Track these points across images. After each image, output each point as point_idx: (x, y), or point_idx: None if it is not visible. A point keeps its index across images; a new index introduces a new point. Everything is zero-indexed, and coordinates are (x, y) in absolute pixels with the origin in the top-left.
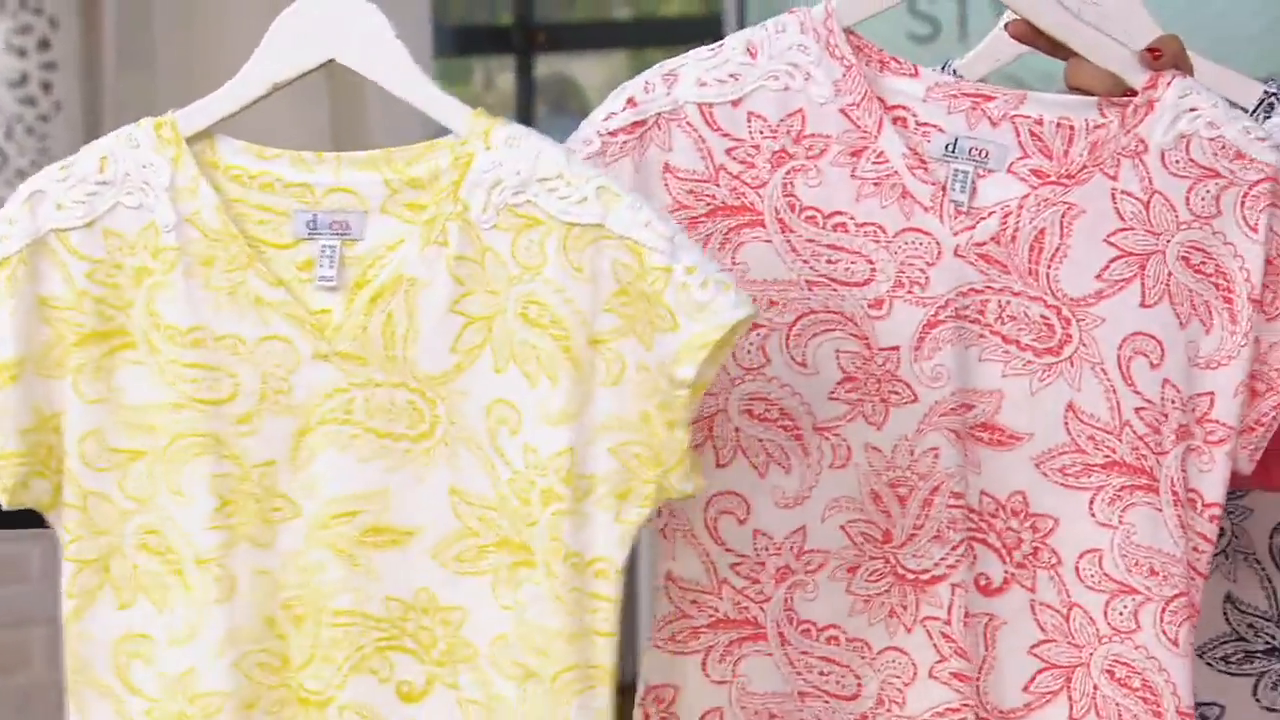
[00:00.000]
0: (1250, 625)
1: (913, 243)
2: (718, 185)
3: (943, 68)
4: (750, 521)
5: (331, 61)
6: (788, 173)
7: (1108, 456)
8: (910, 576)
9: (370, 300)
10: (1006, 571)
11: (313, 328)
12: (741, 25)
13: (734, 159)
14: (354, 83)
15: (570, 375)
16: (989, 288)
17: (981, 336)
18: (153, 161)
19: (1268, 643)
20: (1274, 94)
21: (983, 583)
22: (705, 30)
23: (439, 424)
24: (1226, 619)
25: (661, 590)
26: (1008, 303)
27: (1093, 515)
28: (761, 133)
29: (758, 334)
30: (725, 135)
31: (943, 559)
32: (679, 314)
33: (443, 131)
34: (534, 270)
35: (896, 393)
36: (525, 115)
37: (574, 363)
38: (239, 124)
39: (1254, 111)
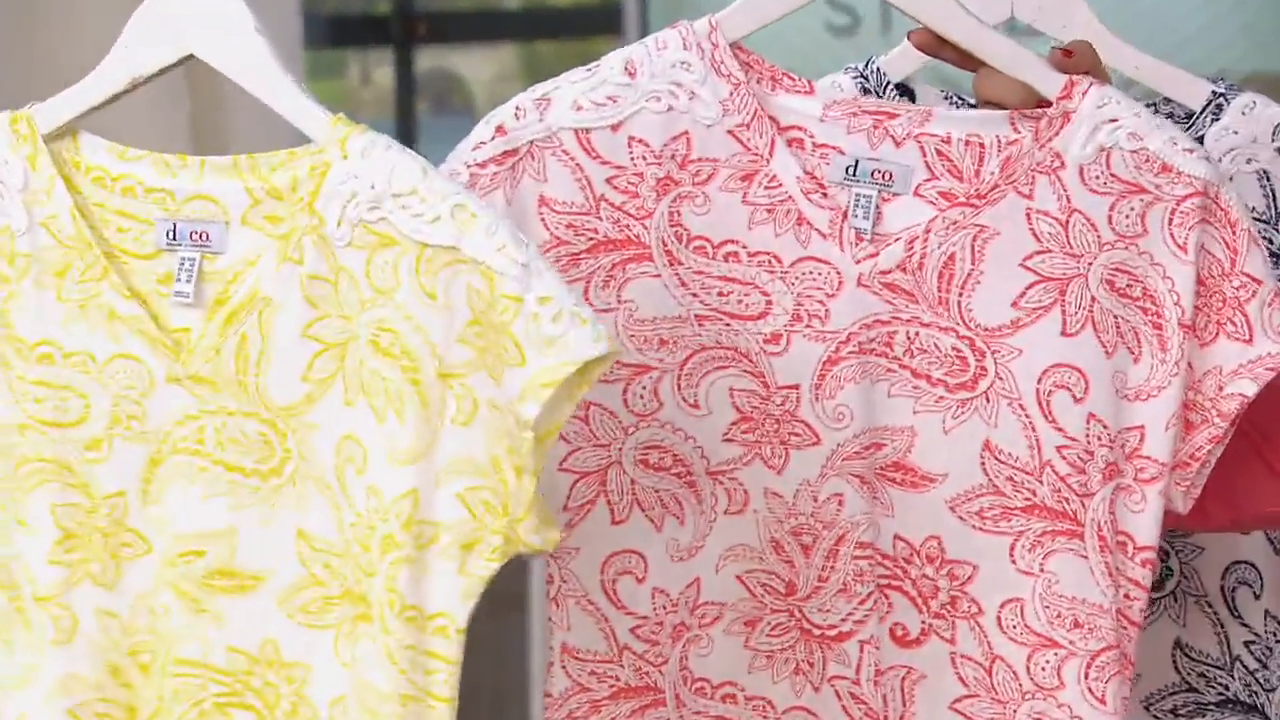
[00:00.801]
0: (1202, 675)
1: (811, 273)
2: (599, 217)
3: (865, 65)
4: (648, 579)
5: (191, 56)
6: (674, 200)
7: (1028, 499)
8: (816, 632)
9: (225, 321)
10: (924, 622)
11: (165, 347)
12: (644, 16)
13: (615, 188)
14: (216, 78)
15: (418, 411)
16: (896, 318)
17: (890, 371)
18: (7, 160)
19: (1220, 693)
20: (1222, 94)
21: (899, 633)
22: (603, 22)
23: (289, 460)
24: (1176, 667)
25: (556, 664)
26: (916, 334)
27: (1014, 562)
28: (644, 159)
29: (649, 377)
30: (605, 163)
31: (850, 614)
32: (527, 348)
33: None
34: (387, 294)
35: (797, 434)
36: (405, 113)
37: (422, 398)
38: (90, 123)
39: (1201, 112)
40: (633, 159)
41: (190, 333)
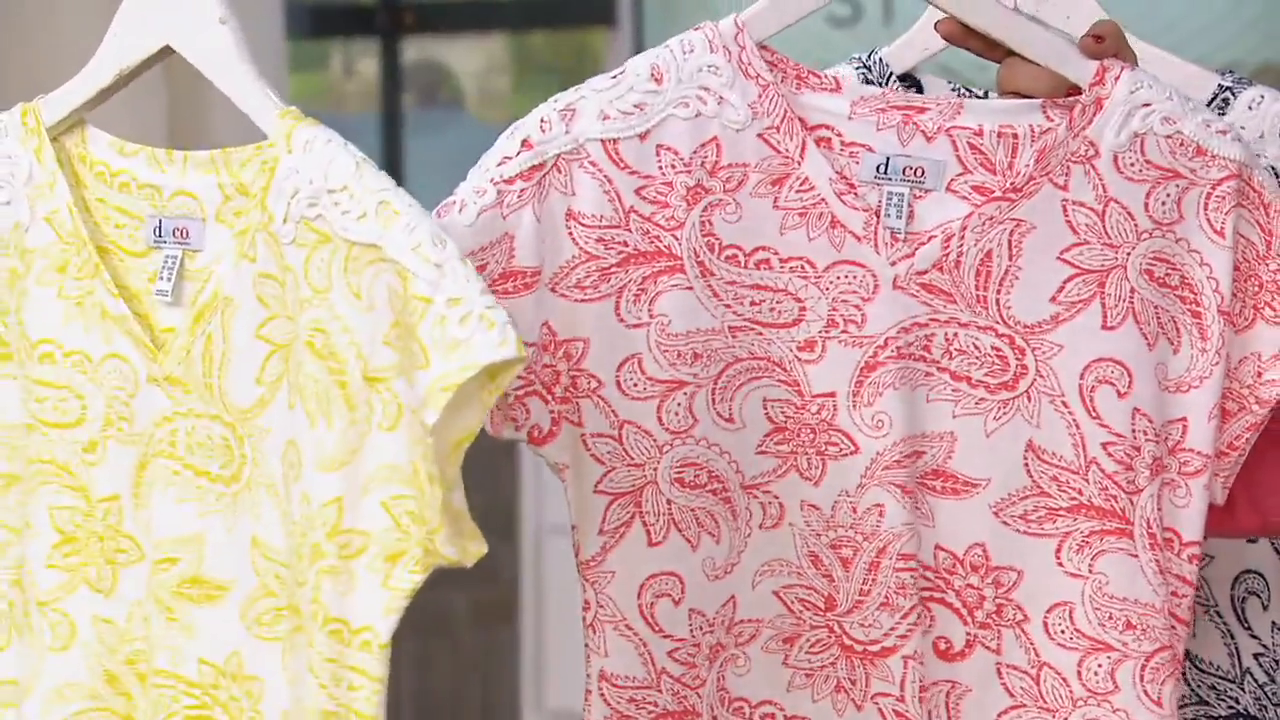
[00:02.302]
0: (1213, 688)
1: (846, 276)
2: (629, 230)
3: (868, 56)
4: (685, 600)
5: (169, 48)
6: (705, 210)
7: (1073, 499)
8: (858, 648)
9: (195, 320)
10: (969, 633)
11: (146, 348)
12: (637, 6)
13: (644, 199)
14: (193, 70)
15: (344, 416)
16: (934, 320)
17: (929, 375)
18: (15, 153)
19: (1231, 707)
20: (1229, 86)
21: (943, 647)
22: (596, 12)
23: (245, 465)
24: (1186, 679)
25: (595, 693)
26: (955, 335)
27: (1060, 565)
28: (674, 167)
29: (684, 393)
30: (634, 173)
31: (893, 628)
32: (431, 351)
33: None
34: (322, 294)
35: (834, 444)
36: (391, 106)
37: (349, 401)
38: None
39: (1209, 106)
40: (661, 168)
41: (175, 332)
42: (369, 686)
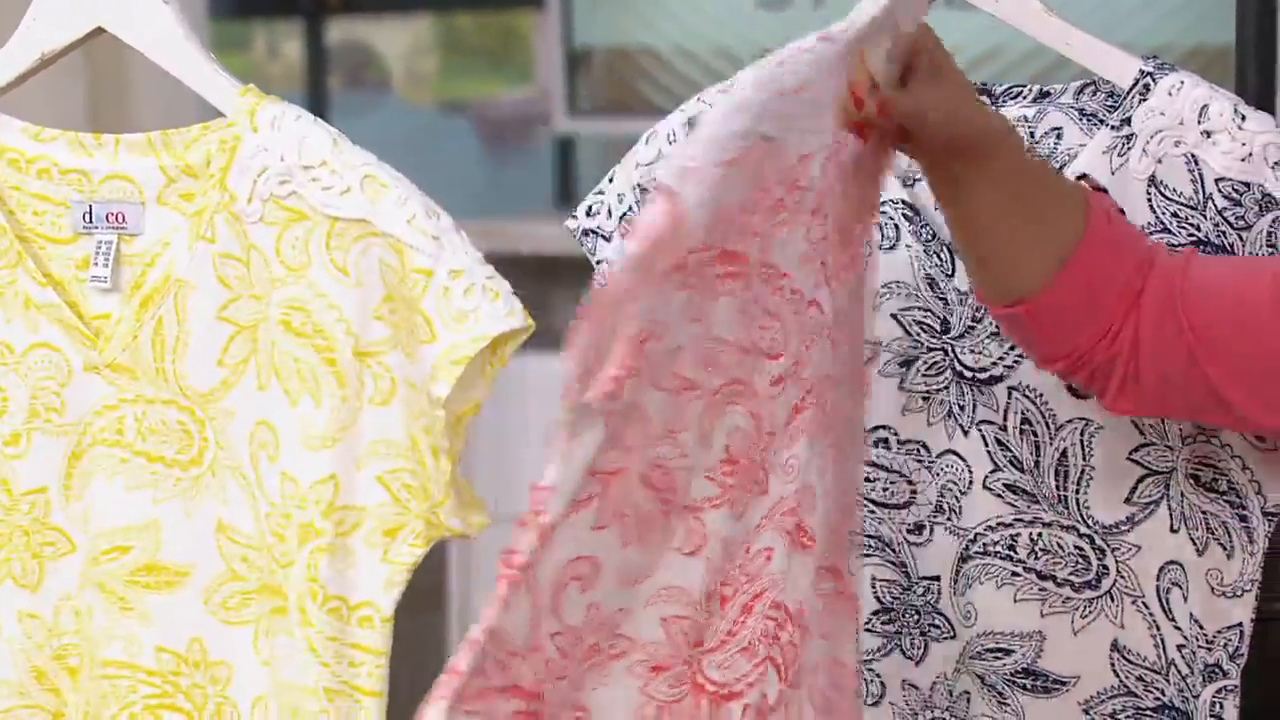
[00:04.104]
0: (1140, 679)
1: None
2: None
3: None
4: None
5: (100, 30)
6: None
7: (1157, 699)
8: None
9: (141, 305)
10: None
11: (83, 335)
12: None
13: None
14: (117, 53)
15: (334, 392)
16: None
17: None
18: None
19: (1158, 699)
20: (1150, 72)
21: None
22: None
23: (207, 449)
24: (1114, 670)
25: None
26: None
27: None
28: None
29: None
30: None
31: None
32: (437, 323)
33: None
34: (298, 272)
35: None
36: (316, 88)
37: (339, 378)
38: None
39: (1129, 92)
40: None
41: (110, 319)
42: (371, 661)
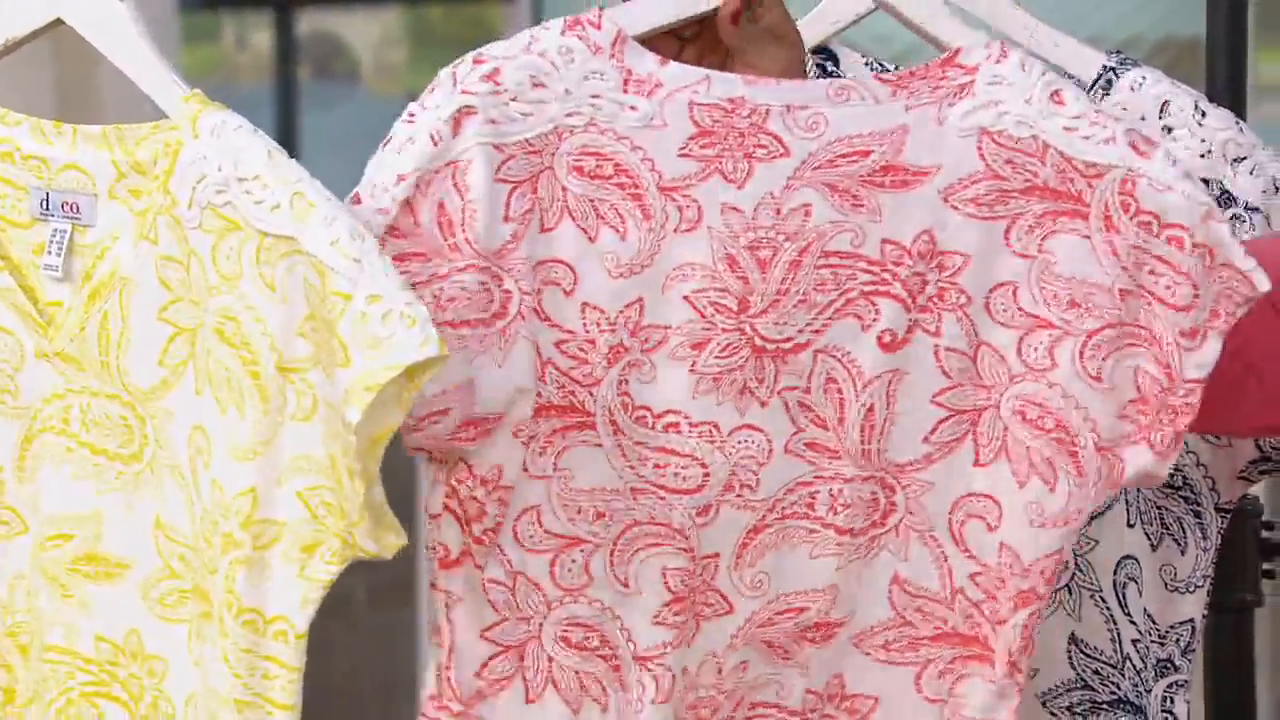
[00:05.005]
0: (1096, 672)
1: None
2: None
3: None
4: None
5: (60, 20)
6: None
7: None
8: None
9: (90, 297)
10: None
11: (35, 321)
12: None
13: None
14: (83, 40)
15: (257, 405)
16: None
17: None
18: None
19: (1113, 692)
20: (1113, 68)
21: None
22: None
23: (147, 445)
24: (1071, 663)
25: None
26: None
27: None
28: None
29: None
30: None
31: None
32: (352, 348)
33: None
34: (231, 282)
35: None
36: (285, 79)
37: (261, 391)
38: None
39: (1092, 86)
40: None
41: (62, 307)
42: (285, 675)
